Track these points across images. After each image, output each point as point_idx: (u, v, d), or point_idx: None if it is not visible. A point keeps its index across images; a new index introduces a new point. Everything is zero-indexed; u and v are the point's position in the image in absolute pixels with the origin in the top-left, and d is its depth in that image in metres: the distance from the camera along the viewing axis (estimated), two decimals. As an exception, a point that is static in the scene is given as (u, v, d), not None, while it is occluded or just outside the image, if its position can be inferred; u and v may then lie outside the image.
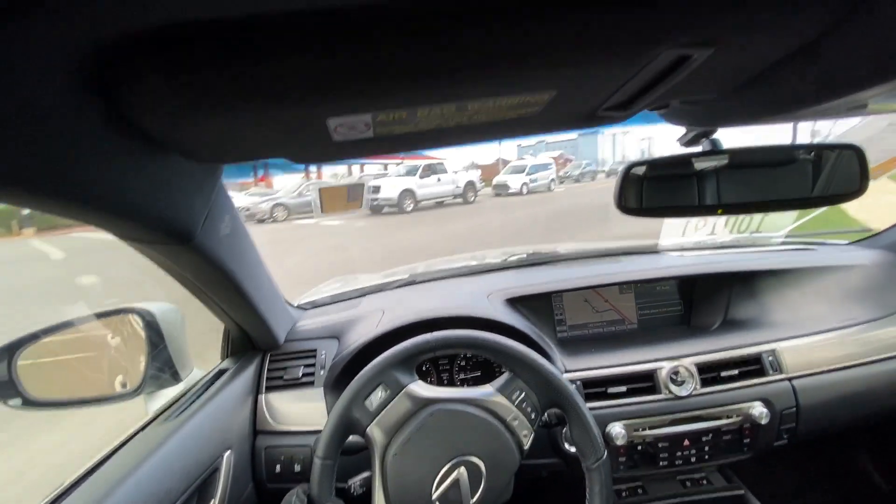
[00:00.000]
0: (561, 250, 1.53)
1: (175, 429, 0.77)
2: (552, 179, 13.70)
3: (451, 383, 1.13)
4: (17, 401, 0.84)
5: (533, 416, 0.74)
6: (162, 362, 0.94)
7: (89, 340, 0.96)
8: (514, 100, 0.41)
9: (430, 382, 1.10)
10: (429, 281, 1.38)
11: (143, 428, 0.81)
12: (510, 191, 12.49)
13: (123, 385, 0.95)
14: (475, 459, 0.71)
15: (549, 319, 1.23)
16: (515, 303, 1.16)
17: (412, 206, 10.03)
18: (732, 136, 0.80)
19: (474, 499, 0.70)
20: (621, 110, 0.49)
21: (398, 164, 11.80)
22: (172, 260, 0.68)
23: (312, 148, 0.49)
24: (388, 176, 11.10)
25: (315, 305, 1.31)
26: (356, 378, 0.73)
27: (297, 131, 0.42)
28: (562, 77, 0.39)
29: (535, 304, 1.20)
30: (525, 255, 1.50)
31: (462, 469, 0.71)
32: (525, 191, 12.58)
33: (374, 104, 0.38)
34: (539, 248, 1.59)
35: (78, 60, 0.29)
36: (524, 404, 0.74)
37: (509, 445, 0.72)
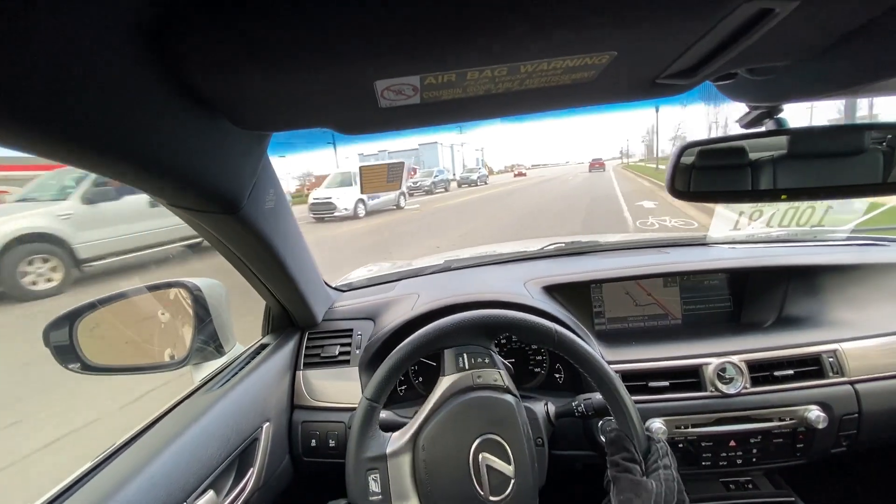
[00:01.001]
0: (601, 240, 1.47)
1: (218, 398, 0.80)
2: (401, 193, 11.27)
3: None
4: (77, 365, 0.90)
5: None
6: (207, 335, 0.98)
7: (141, 311, 1.01)
8: (570, 61, 0.38)
9: None
10: (464, 268, 1.37)
11: (188, 396, 0.84)
12: (336, 213, 9.28)
13: (171, 356, 1.00)
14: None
15: (587, 311, 1.19)
16: (553, 291, 1.13)
17: (364, 212, 9.88)
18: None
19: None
20: (685, 78, 0.46)
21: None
22: (218, 230, 0.70)
23: (359, 116, 0.48)
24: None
25: (351, 287, 1.33)
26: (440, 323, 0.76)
27: (344, 96, 0.42)
28: (624, 34, 0.36)
29: (572, 294, 1.16)
30: (564, 245, 1.46)
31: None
32: (362, 211, 9.75)
33: (422, 65, 0.37)
34: (578, 238, 1.54)
35: (136, 18, 0.29)
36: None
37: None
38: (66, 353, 0.89)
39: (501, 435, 0.72)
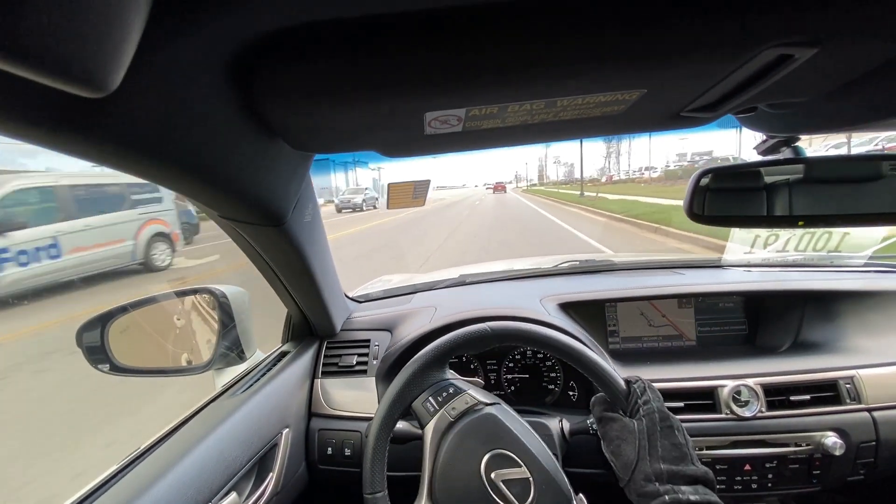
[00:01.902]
0: (616, 259, 1.49)
1: (241, 403, 0.82)
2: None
3: (499, 384, 1.13)
4: (106, 366, 0.93)
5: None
6: (230, 341, 1.01)
7: (168, 316, 1.04)
8: (603, 97, 0.41)
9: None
10: (479, 283, 1.39)
11: (213, 400, 0.87)
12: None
13: (195, 360, 1.03)
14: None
15: (602, 330, 1.20)
16: (568, 308, 1.14)
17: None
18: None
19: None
20: (708, 112, 0.48)
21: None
22: (260, 241, 0.73)
23: (403, 141, 0.51)
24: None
25: (368, 299, 1.36)
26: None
27: (394, 124, 0.45)
28: (653, 75, 0.39)
29: (587, 313, 1.17)
30: (578, 262, 1.48)
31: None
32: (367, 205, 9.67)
33: (469, 99, 0.40)
34: (593, 256, 1.56)
35: (225, 55, 0.33)
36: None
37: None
38: (97, 353, 0.92)
39: (499, 446, 0.73)
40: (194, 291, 1.04)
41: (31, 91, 0.24)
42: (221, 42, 0.32)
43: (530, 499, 0.70)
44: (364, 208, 16.49)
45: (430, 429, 0.75)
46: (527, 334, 0.78)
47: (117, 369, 0.93)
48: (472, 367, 1.13)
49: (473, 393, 0.78)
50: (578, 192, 21.89)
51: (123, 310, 0.96)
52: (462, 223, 11.68)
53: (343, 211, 16.20)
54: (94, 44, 0.18)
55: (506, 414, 0.78)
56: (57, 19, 0.16)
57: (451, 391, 0.77)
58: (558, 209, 14.75)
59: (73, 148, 0.31)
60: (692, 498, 0.59)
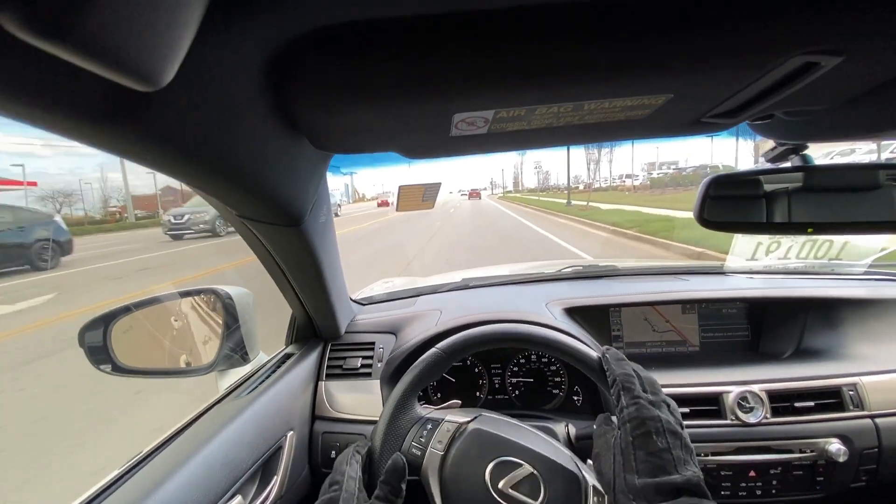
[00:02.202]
0: (619, 265, 1.49)
1: (246, 406, 0.82)
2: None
3: (503, 388, 1.12)
4: (108, 366, 0.92)
5: None
6: (234, 343, 1.00)
7: (172, 316, 1.03)
8: (630, 101, 0.42)
9: (483, 385, 1.11)
10: (483, 286, 1.39)
11: (218, 401, 0.86)
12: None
13: (199, 361, 1.02)
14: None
15: (606, 335, 1.20)
16: (573, 313, 1.14)
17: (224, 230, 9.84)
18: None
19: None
20: (728, 118, 0.49)
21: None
22: (275, 241, 0.73)
23: (428, 142, 0.51)
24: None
25: (371, 301, 1.35)
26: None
27: (421, 125, 0.45)
28: (680, 81, 0.39)
29: (592, 317, 1.18)
30: (581, 268, 1.48)
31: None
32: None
33: (498, 101, 0.40)
34: (596, 262, 1.56)
35: (261, 54, 0.33)
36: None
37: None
38: (99, 353, 0.91)
39: (494, 455, 0.72)
40: (199, 292, 1.04)
41: (79, 84, 0.24)
42: (260, 41, 0.32)
43: (542, 492, 0.70)
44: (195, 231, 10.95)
45: (426, 470, 0.73)
46: (485, 336, 0.77)
47: (120, 370, 0.92)
48: (476, 370, 1.12)
49: (451, 418, 0.77)
50: (564, 201, 20.80)
51: (127, 310, 0.95)
52: (434, 237, 10.18)
53: (176, 238, 10.90)
54: (151, 36, 0.18)
55: (489, 421, 0.77)
56: (119, 9, 0.16)
57: (429, 426, 0.75)
58: (547, 221, 13.21)
59: (112, 142, 0.30)
60: None
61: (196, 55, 0.26)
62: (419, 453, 0.74)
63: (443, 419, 0.76)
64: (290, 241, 0.72)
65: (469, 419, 0.77)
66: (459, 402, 0.84)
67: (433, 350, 0.77)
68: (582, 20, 0.32)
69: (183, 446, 0.70)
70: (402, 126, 0.46)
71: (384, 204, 31.64)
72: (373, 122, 0.44)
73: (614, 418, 0.66)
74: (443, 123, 0.44)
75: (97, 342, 0.92)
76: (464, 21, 0.32)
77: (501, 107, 0.41)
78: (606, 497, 0.65)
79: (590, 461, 0.86)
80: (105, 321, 0.93)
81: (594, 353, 0.73)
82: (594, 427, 0.73)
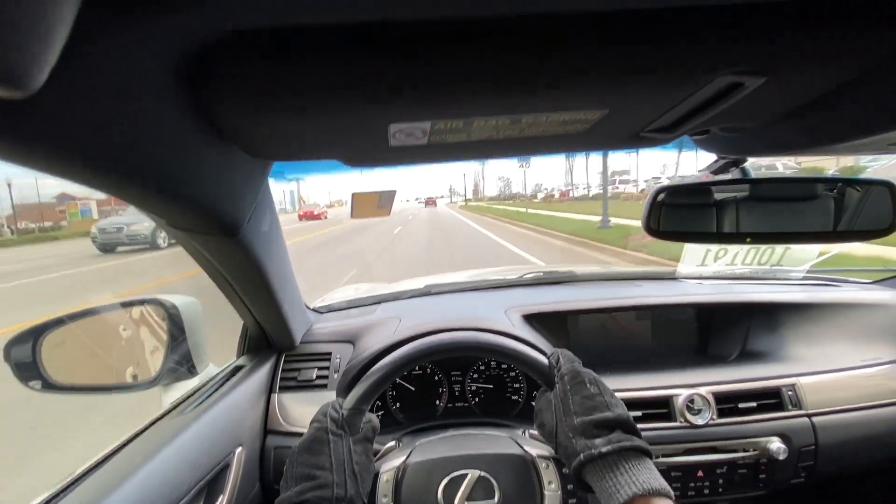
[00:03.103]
0: (578, 271, 1.52)
1: (190, 422, 0.78)
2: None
3: (463, 395, 1.12)
4: (38, 383, 0.86)
5: None
6: (180, 355, 0.95)
7: (111, 329, 0.97)
8: (567, 116, 0.42)
9: (442, 393, 1.10)
10: (444, 293, 1.39)
11: (159, 419, 0.81)
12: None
13: (139, 375, 0.96)
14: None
15: (564, 340, 1.22)
16: (531, 319, 1.15)
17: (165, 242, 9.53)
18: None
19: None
20: (665, 133, 0.50)
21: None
22: (213, 251, 0.69)
23: (368, 152, 0.50)
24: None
25: (330, 310, 1.32)
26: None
27: (357, 135, 0.44)
28: (615, 97, 0.40)
29: (550, 323, 1.19)
30: (542, 274, 1.50)
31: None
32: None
33: (434, 112, 0.39)
34: (556, 268, 1.59)
35: (177, 55, 0.31)
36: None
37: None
38: (28, 370, 0.84)
39: (440, 477, 0.73)
40: (141, 302, 0.98)
41: None
42: (167, 40, 0.29)
43: (496, 488, 0.71)
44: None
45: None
46: (451, 343, 0.77)
47: (51, 387, 0.86)
48: (436, 378, 1.12)
49: (387, 466, 0.77)
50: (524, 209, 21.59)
51: (59, 322, 0.89)
52: (385, 251, 9.55)
53: (106, 251, 10.22)
54: (9, 39, 0.16)
55: (425, 448, 0.78)
56: None
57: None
58: (507, 230, 13.74)
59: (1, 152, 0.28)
60: (604, 450, 0.57)
61: (79, 53, 0.24)
62: None
63: (379, 472, 0.76)
64: (229, 252, 0.69)
65: (405, 457, 0.77)
66: (394, 443, 0.86)
67: (387, 359, 0.76)
68: (517, 35, 0.32)
69: (117, 468, 0.65)
70: (338, 135, 0.44)
71: (309, 216, 25.26)
72: (306, 129, 0.43)
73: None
74: (380, 133, 0.43)
75: (26, 357, 0.85)
76: (395, 30, 0.31)
77: (438, 118, 0.40)
78: (553, 447, 0.68)
79: (529, 430, 0.88)
80: (34, 334, 0.86)
81: (543, 359, 0.75)
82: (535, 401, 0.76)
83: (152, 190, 0.42)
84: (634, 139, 0.53)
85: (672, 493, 0.54)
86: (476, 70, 0.34)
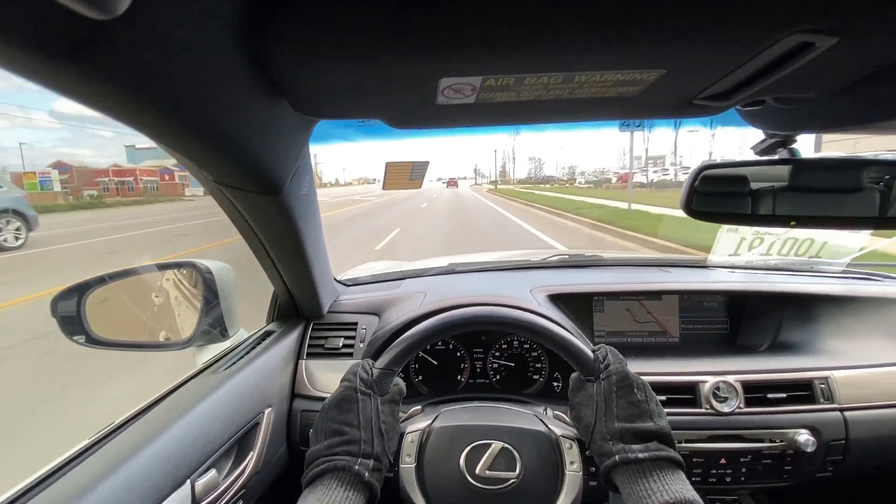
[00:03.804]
0: (605, 255, 1.50)
1: (223, 380, 0.80)
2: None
3: (484, 372, 1.13)
4: (82, 337, 0.90)
5: None
6: (213, 318, 0.98)
7: (149, 290, 1.01)
8: (622, 75, 0.41)
9: (464, 369, 1.11)
10: (469, 272, 1.39)
11: (193, 377, 0.84)
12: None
13: (176, 336, 1.00)
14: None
15: (588, 323, 1.21)
16: (557, 300, 1.15)
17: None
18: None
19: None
20: (720, 101, 0.48)
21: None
22: (253, 211, 0.71)
23: (414, 111, 0.50)
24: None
25: (356, 283, 1.34)
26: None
27: (407, 90, 0.44)
28: (674, 56, 0.38)
29: (575, 305, 1.18)
30: (567, 257, 1.49)
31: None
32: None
33: (487, 66, 0.39)
34: (582, 251, 1.57)
35: (233, 9, 0.31)
36: None
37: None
38: (72, 324, 0.89)
39: (464, 445, 0.74)
40: (177, 265, 1.01)
41: (29, 15, 0.22)
42: None
43: (518, 461, 0.72)
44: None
45: (404, 486, 0.75)
46: (492, 317, 0.77)
47: (94, 341, 0.90)
48: (458, 354, 1.13)
49: (412, 427, 0.78)
50: (624, 205, 13.33)
51: (101, 280, 0.93)
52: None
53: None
54: None
55: (450, 415, 0.79)
56: None
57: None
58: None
59: (66, 82, 0.28)
60: (640, 455, 0.59)
61: (152, 14, 0.24)
62: (392, 474, 0.75)
63: (404, 432, 0.77)
64: (270, 212, 0.70)
65: (430, 421, 0.78)
66: (419, 408, 0.87)
67: (424, 324, 0.77)
68: None
69: (156, 419, 0.69)
70: (387, 89, 0.44)
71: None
72: (357, 84, 0.43)
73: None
74: (429, 89, 0.42)
75: (70, 312, 0.89)
76: None
77: (489, 73, 0.39)
78: (584, 440, 0.69)
79: (552, 410, 0.88)
80: (79, 291, 0.90)
81: (588, 350, 0.74)
82: (570, 382, 0.77)
83: (205, 141, 0.43)
84: (687, 107, 0.51)
85: (702, 503, 0.55)
86: (530, 22, 0.33)
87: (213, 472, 0.69)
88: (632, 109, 0.53)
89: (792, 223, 0.75)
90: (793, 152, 0.72)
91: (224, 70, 0.36)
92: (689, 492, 0.55)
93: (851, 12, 0.34)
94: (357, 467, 0.61)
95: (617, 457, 0.61)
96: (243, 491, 0.75)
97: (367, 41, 0.35)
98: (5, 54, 0.24)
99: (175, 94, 0.35)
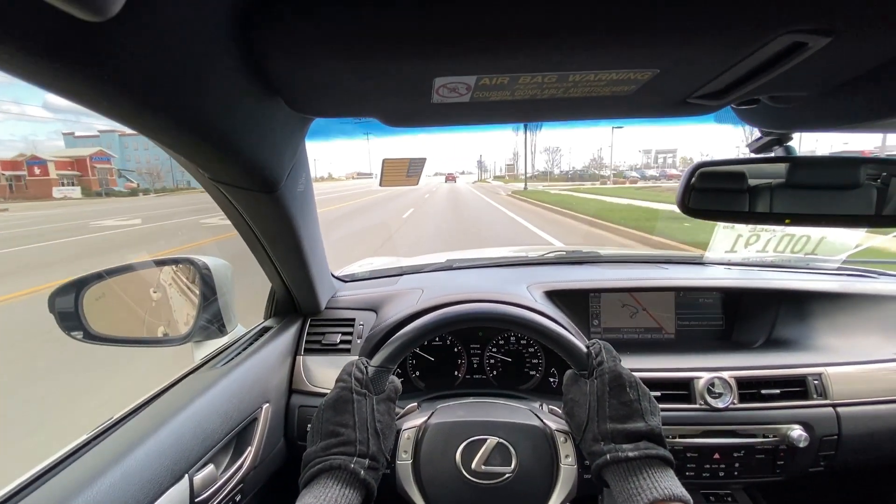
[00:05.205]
0: (602, 251, 1.51)
1: (222, 375, 0.81)
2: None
3: (481, 367, 1.13)
4: (79, 333, 0.90)
5: None
6: (211, 314, 0.99)
7: (147, 285, 1.01)
8: (616, 75, 0.41)
9: (461, 365, 1.12)
10: (466, 268, 1.39)
11: (192, 371, 0.85)
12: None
13: (174, 332, 1.00)
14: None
15: (585, 319, 1.22)
16: (553, 296, 1.15)
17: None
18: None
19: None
20: (714, 99, 0.49)
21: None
22: (250, 208, 0.71)
23: (408, 110, 0.50)
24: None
25: (354, 279, 1.34)
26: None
27: (401, 89, 0.44)
28: (667, 55, 0.39)
29: (571, 301, 1.19)
30: (564, 253, 1.49)
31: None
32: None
33: (481, 66, 0.39)
34: (579, 248, 1.57)
35: (230, 10, 0.31)
36: None
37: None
38: (70, 320, 0.89)
39: (459, 441, 0.75)
40: (175, 261, 1.02)
41: (23, 17, 0.22)
42: None
43: (513, 456, 0.72)
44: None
45: (401, 483, 0.76)
46: (486, 313, 0.78)
47: (91, 337, 0.91)
48: (455, 349, 1.13)
49: (408, 424, 0.79)
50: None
51: (99, 277, 0.93)
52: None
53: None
54: None
55: (446, 412, 0.79)
56: None
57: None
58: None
59: (61, 83, 0.28)
60: (631, 454, 0.60)
61: (152, 14, 0.24)
62: (389, 470, 0.75)
63: (401, 429, 0.78)
64: (267, 209, 0.70)
65: (426, 418, 0.79)
66: (416, 404, 0.87)
67: (419, 321, 0.77)
68: None
69: (154, 414, 0.69)
70: (382, 89, 0.44)
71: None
72: (351, 83, 0.43)
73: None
74: (424, 88, 0.43)
75: (68, 308, 0.89)
76: None
77: (484, 72, 0.40)
78: (576, 438, 0.70)
79: (546, 405, 0.89)
80: (77, 287, 0.90)
81: (581, 345, 0.75)
82: (564, 378, 0.78)
83: (201, 140, 0.43)
84: (681, 106, 0.52)
85: (691, 499, 0.56)
86: (526, 21, 0.33)
87: (211, 466, 0.69)
88: (626, 108, 0.53)
89: (788, 221, 0.75)
90: (789, 150, 0.72)
91: (219, 69, 0.37)
92: (678, 488, 0.56)
93: (843, 13, 0.34)
94: (353, 466, 0.62)
95: (608, 456, 0.62)
96: (241, 485, 0.76)
97: (361, 41, 0.35)
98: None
99: (170, 94, 0.35)
